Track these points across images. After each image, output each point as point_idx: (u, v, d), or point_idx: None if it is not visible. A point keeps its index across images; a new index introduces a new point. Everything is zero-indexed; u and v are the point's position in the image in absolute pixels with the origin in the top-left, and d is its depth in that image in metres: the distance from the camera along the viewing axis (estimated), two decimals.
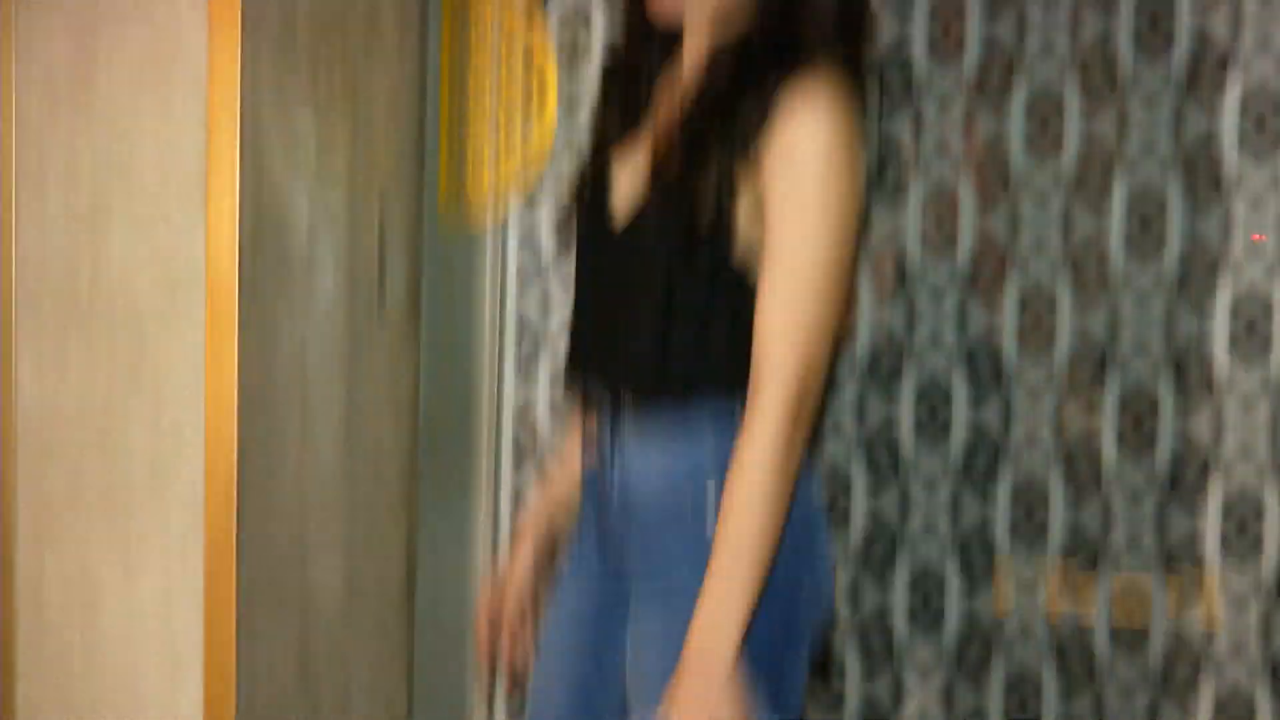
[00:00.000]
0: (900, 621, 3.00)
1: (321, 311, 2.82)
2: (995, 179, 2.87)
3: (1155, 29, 2.76)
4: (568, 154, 2.95)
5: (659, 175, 2.09)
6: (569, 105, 2.93)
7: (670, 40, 2.19)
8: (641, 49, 2.23)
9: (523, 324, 3.07)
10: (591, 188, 2.18)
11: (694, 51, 2.11)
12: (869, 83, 2.10)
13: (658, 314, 2.08)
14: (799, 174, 1.97)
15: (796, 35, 2.06)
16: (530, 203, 3.00)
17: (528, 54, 2.89)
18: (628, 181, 2.11)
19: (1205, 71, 2.76)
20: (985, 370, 2.91)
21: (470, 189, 2.93)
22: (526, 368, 3.05)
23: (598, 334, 2.19)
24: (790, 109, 1.97)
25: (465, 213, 2.95)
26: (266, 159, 2.61)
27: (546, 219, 2.99)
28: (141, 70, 2.60)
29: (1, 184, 2.69)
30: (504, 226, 2.98)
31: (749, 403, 1.97)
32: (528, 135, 2.91)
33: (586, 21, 2.91)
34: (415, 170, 2.97)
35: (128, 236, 2.62)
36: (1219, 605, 2.75)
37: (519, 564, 2.40)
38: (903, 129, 2.87)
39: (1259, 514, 2.73)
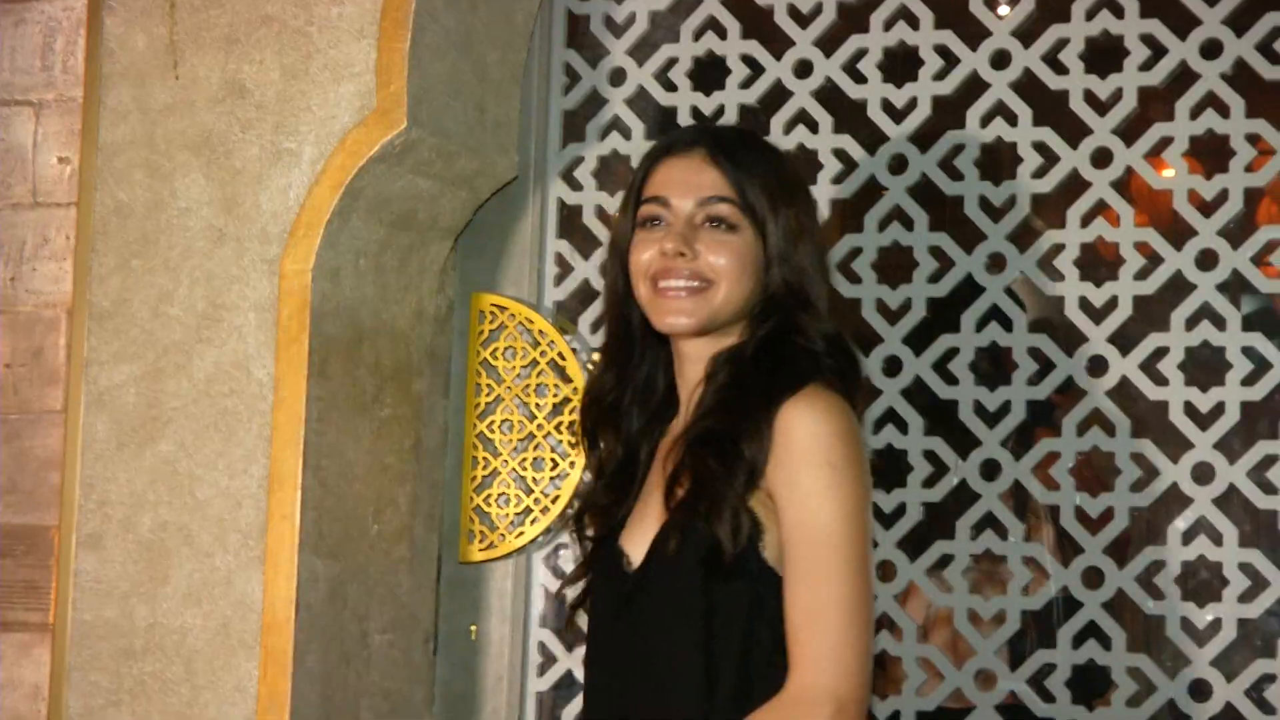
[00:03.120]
0: None
1: (381, 656, 2.84)
2: None
3: None
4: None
5: (678, 514, 2.08)
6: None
7: (650, 370, 2.23)
8: (621, 373, 2.24)
9: (548, 655, 3.02)
10: (603, 534, 2.19)
11: (691, 377, 2.14)
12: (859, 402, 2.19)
13: (698, 644, 2.06)
14: (800, 464, 2.00)
15: (790, 364, 2.10)
16: (555, 540, 3.02)
17: (559, 399, 2.95)
18: (638, 518, 2.13)
19: None
20: None
21: (495, 529, 2.98)
22: (551, 709, 3.06)
23: (622, 679, 2.15)
24: (787, 413, 2.01)
25: (491, 549, 2.98)
26: (330, 513, 2.72)
27: (570, 554, 2.98)
28: (209, 416, 2.75)
29: (62, 516, 2.81)
30: (529, 561, 3.02)
31: (785, 693, 1.98)
32: (556, 477, 2.95)
33: None
34: (443, 511, 3.02)
35: (188, 581, 2.73)
36: None
37: None
38: None
39: None
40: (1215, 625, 2.61)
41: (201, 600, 2.70)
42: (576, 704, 2.90)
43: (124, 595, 2.73)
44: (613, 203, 2.95)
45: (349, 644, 2.71)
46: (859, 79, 2.84)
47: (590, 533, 2.19)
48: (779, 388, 2.05)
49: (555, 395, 2.91)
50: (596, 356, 2.86)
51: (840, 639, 1.96)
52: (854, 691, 1.95)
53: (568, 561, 2.96)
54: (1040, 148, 2.75)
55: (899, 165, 2.76)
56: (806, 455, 2.00)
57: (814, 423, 2.00)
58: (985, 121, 2.80)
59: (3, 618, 2.85)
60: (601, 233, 2.97)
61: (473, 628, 2.95)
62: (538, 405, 2.92)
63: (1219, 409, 2.56)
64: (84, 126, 2.86)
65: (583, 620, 2.21)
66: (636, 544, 2.07)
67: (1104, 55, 2.76)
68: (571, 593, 2.24)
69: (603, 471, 2.18)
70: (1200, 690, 2.55)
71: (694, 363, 2.13)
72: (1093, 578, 2.61)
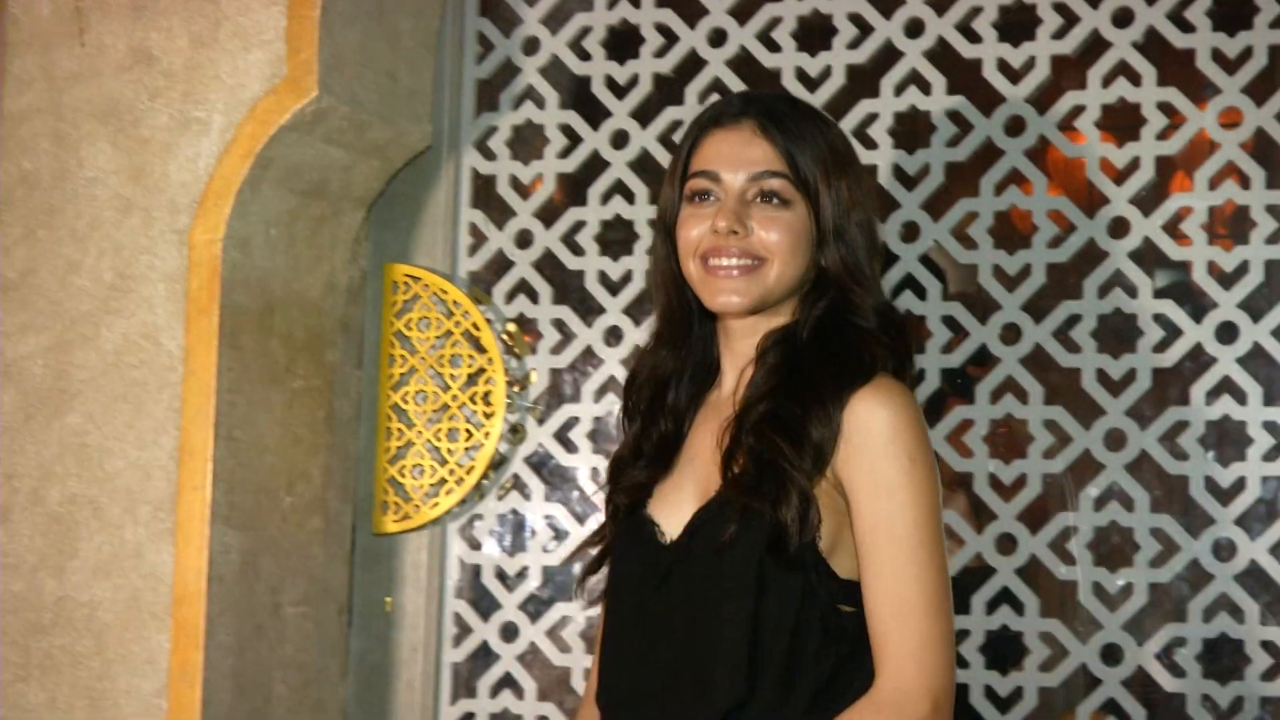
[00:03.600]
0: None
1: (295, 628, 2.85)
2: None
3: None
4: (507, 467, 3.00)
5: (736, 494, 2.05)
6: (512, 428, 2.99)
7: (696, 343, 2.20)
8: (677, 351, 2.21)
9: (463, 625, 3.04)
10: (631, 501, 2.17)
11: (739, 353, 2.13)
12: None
13: (747, 627, 2.05)
14: (880, 457, 2.00)
15: (856, 352, 2.08)
16: (470, 511, 3.02)
17: (473, 370, 2.96)
18: (672, 488, 2.12)
19: None
20: None
21: (410, 500, 2.99)
22: (467, 680, 3.07)
23: (658, 653, 2.12)
24: (860, 404, 2.00)
25: (406, 520, 3.00)
26: (242, 485, 2.72)
27: (485, 525, 3.03)
28: (118, 387, 2.76)
29: None
30: (443, 532, 3.03)
31: (878, 693, 1.98)
32: (471, 448, 2.96)
33: (535, 345, 3.01)
34: (357, 482, 3.04)
35: (98, 554, 2.73)
36: None
37: None
38: None
39: None
40: (1127, 590, 2.64)
41: (111, 573, 2.69)
42: (492, 674, 2.97)
43: (32, 569, 2.74)
44: (527, 172, 3.00)
45: (262, 616, 2.72)
46: (773, 48, 2.85)
47: (623, 503, 2.16)
48: (848, 376, 2.04)
49: (470, 366, 2.93)
50: (512, 327, 2.94)
51: (930, 635, 1.96)
52: (946, 687, 1.95)
53: (483, 533, 3.00)
54: (954, 116, 2.77)
55: None
56: (886, 448, 1.99)
57: (892, 414, 1.99)
58: (899, 90, 2.81)
59: None
60: (515, 202, 3.00)
61: (387, 599, 2.97)
62: (452, 376, 2.94)
63: (1131, 375, 2.59)
64: None
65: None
66: (670, 516, 2.06)
67: (1017, 24, 2.76)
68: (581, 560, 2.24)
69: (640, 448, 2.16)
70: (1112, 654, 2.58)
71: (743, 339, 2.12)
72: (1006, 544, 2.63)
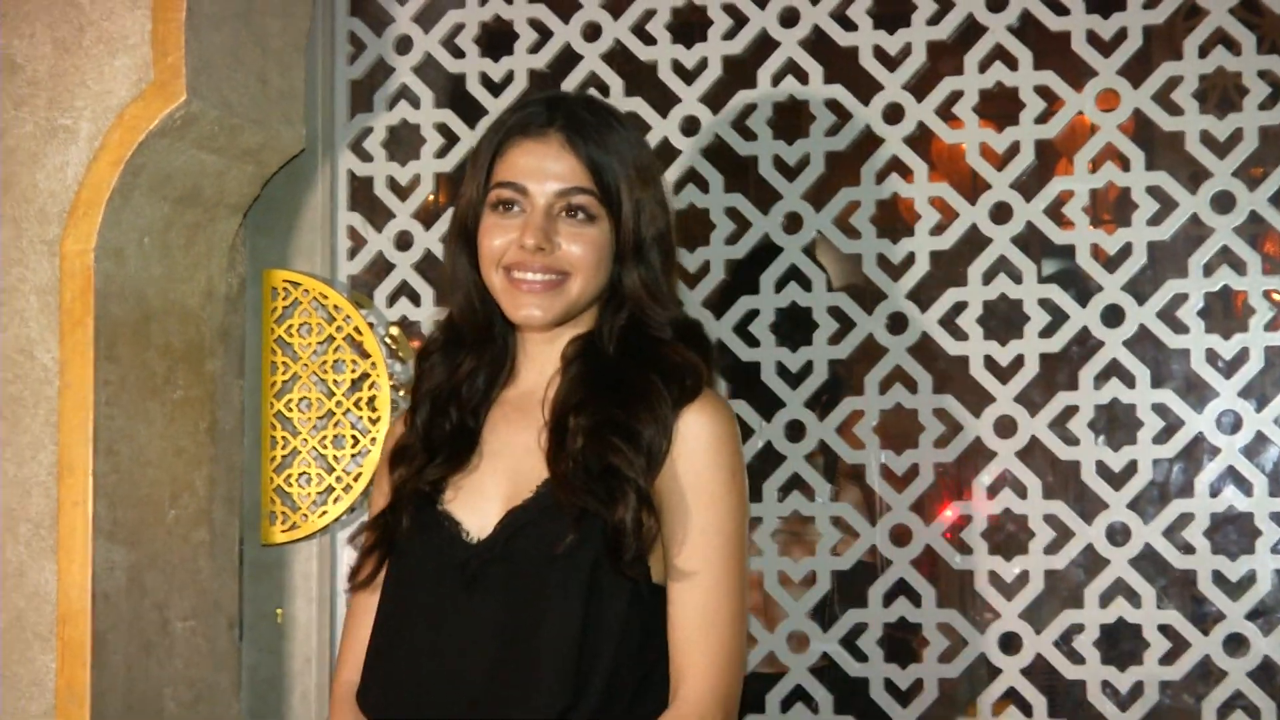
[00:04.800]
0: None
1: (184, 644, 2.81)
2: None
3: None
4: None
5: (567, 496, 2.05)
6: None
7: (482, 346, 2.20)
8: (476, 350, 2.21)
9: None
10: (419, 504, 2.14)
11: (538, 357, 2.15)
12: None
13: (573, 632, 2.04)
14: (705, 468, 2.04)
15: (678, 368, 2.11)
16: (359, 519, 2.97)
17: (357, 375, 2.94)
18: (474, 486, 2.11)
19: None
20: None
21: (297, 510, 2.96)
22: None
23: (468, 658, 2.09)
24: (691, 418, 2.03)
25: (292, 529, 2.97)
26: (123, 499, 2.67)
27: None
28: None
29: None
30: (333, 541, 3.01)
31: (681, 700, 2.00)
32: (357, 454, 2.95)
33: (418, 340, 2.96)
34: (242, 493, 3.02)
35: None
36: None
37: None
38: None
39: None
40: (1023, 578, 2.65)
41: None
42: None
43: None
44: (404, 173, 3.00)
45: (150, 633, 2.68)
46: (648, 40, 2.85)
47: (410, 494, 2.13)
48: (680, 389, 2.07)
49: (353, 371, 2.92)
50: (395, 330, 2.92)
51: (731, 651, 2.00)
52: (737, 697, 2.00)
53: None
54: (833, 105, 2.78)
55: (691, 127, 2.76)
56: (713, 460, 2.03)
57: (720, 429, 2.05)
58: (777, 80, 2.81)
59: None
60: (394, 204, 2.99)
61: (278, 611, 2.95)
62: (336, 382, 2.92)
63: (1019, 362, 2.60)
64: None
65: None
66: (473, 513, 2.04)
67: (893, 11, 2.77)
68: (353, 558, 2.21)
69: (430, 438, 2.13)
70: (1010, 643, 2.59)
71: (544, 344, 2.13)
72: (901, 535, 2.64)
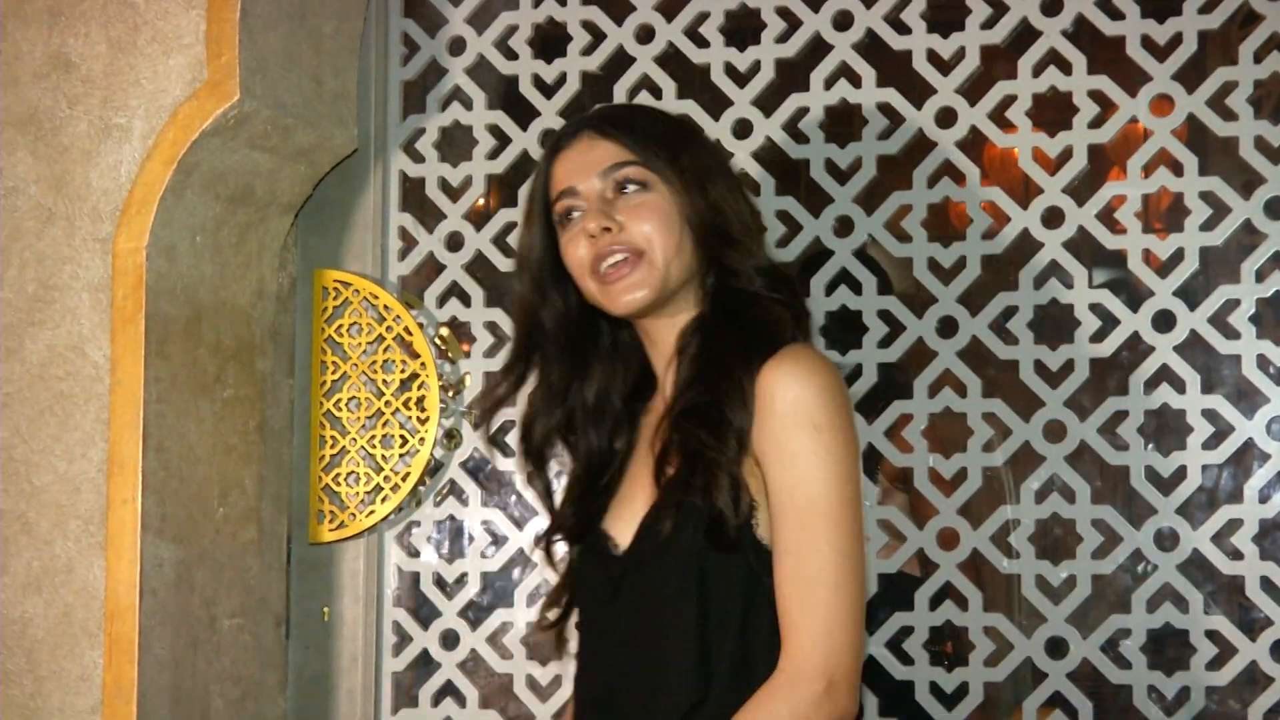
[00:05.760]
0: None
1: (231, 640, 2.83)
2: None
3: None
4: (443, 473, 3.00)
5: (671, 492, 2.07)
6: (447, 433, 2.98)
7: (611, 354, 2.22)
8: (587, 381, 2.23)
9: (402, 634, 3.05)
10: (579, 515, 2.18)
11: (663, 356, 2.15)
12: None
13: (694, 622, 2.05)
14: (783, 425, 1.98)
15: (763, 324, 2.09)
16: (407, 518, 3.02)
17: (406, 375, 2.95)
18: (624, 500, 2.14)
19: None
20: None
21: (345, 509, 2.98)
22: (408, 689, 3.07)
23: (616, 661, 2.13)
24: (767, 376, 1.99)
25: (341, 528, 2.99)
26: (173, 497, 2.69)
27: (423, 531, 3.03)
28: (44, 400, 2.73)
29: None
30: (381, 540, 3.02)
31: (779, 669, 1.97)
32: (406, 454, 2.95)
33: (468, 348, 3.01)
34: (291, 491, 3.03)
35: (27, 570, 2.71)
36: None
37: None
38: None
39: None
40: (1070, 582, 2.64)
41: (42, 589, 2.67)
42: (433, 683, 2.99)
43: None
44: (456, 174, 3.01)
45: (197, 629, 2.70)
46: (701, 43, 2.85)
47: (564, 550, 2.18)
48: (755, 349, 2.03)
49: (402, 371, 2.93)
50: (444, 331, 2.93)
51: (831, 613, 1.94)
52: (846, 666, 1.93)
53: (420, 540, 3.01)
54: (885, 109, 2.79)
55: (743, 130, 2.77)
56: (791, 418, 1.97)
57: (797, 383, 1.98)
58: (829, 84, 2.82)
59: None
60: (445, 205, 3.00)
61: (325, 609, 2.97)
62: (385, 382, 2.94)
63: (1069, 366, 2.60)
64: None
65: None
66: (623, 527, 2.07)
67: (946, 14, 2.77)
68: (553, 614, 2.24)
69: (571, 489, 2.18)
70: (1056, 648, 2.59)
71: (663, 342, 2.13)
72: (949, 539, 2.64)
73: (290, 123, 2.71)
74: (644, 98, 2.93)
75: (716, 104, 2.78)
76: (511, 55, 2.99)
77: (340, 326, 2.95)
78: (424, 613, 3.02)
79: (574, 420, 2.20)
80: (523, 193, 2.91)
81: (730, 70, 2.80)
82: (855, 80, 2.80)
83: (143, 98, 2.67)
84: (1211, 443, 2.58)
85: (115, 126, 2.67)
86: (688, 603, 2.03)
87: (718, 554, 2.01)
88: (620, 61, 2.90)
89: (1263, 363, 2.59)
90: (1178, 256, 2.63)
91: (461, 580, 3.00)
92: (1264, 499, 2.58)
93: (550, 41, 2.98)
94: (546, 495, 2.24)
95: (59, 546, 2.65)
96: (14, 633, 2.66)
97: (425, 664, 3.03)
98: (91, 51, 2.69)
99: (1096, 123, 2.69)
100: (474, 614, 3.01)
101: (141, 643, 2.57)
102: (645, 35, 2.90)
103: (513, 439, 2.92)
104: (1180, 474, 2.55)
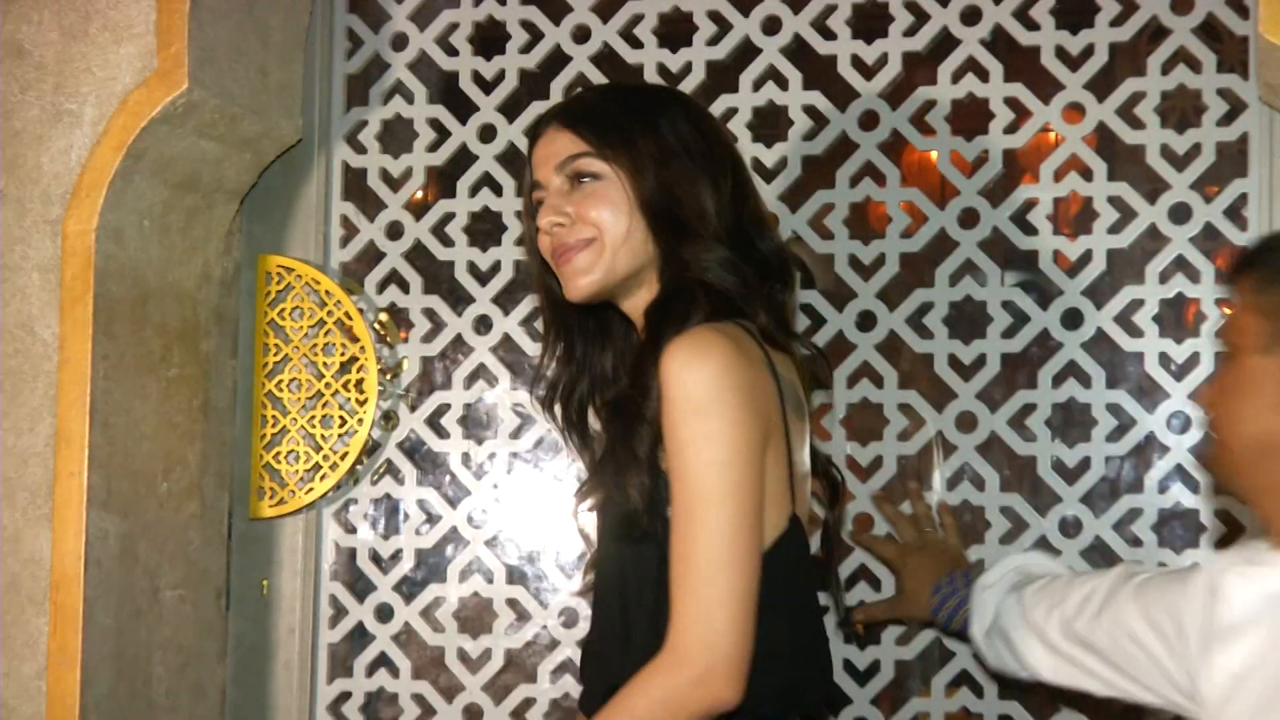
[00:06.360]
0: None
1: (173, 611, 2.82)
2: None
3: None
4: (380, 453, 3.00)
5: (599, 480, 2.09)
6: (385, 415, 2.99)
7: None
8: (586, 369, 2.26)
9: (339, 607, 3.03)
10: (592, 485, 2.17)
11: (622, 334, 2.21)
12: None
13: (620, 604, 2.08)
14: (670, 411, 1.94)
15: (672, 308, 2.06)
16: (345, 496, 3.02)
17: (346, 358, 2.94)
18: None
19: None
20: None
21: (285, 486, 2.97)
22: (344, 660, 3.06)
23: (593, 647, 2.19)
24: (662, 363, 1.96)
25: (281, 504, 2.98)
26: (118, 471, 2.67)
27: (359, 509, 3.03)
28: None
29: None
30: (319, 517, 3.01)
31: (661, 649, 1.95)
32: (345, 434, 2.95)
33: (406, 334, 3.00)
34: (232, 468, 3.01)
35: None
36: None
37: None
38: None
39: None
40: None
41: None
42: (367, 654, 2.99)
43: None
44: (397, 165, 3.01)
45: (140, 599, 2.70)
46: (635, 44, 2.85)
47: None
48: (666, 336, 2.02)
49: (343, 354, 2.93)
50: (384, 316, 2.95)
51: (710, 597, 1.92)
52: (724, 651, 1.91)
53: (357, 517, 3.01)
54: (810, 111, 2.79)
55: None
56: (678, 404, 1.94)
57: (682, 368, 1.95)
58: (757, 86, 2.81)
59: None
60: (386, 195, 3.00)
61: (264, 582, 2.96)
62: (325, 364, 2.93)
63: (981, 360, 2.65)
64: None
65: None
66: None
67: (870, 22, 2.78)
68: None
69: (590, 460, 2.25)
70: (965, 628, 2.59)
71: (637, 324, 2.14)
72: (864, 523, 2.70)
73: (237, 112, 2.70)
74: None
75: None
76: (452, 52, 2.97)
77: (283, 310, 2.94)
78: (360, 587, 3.02)
79: (596, 389, 2.22)
80: (460, 184, 2.98)
81: (663, 70, 2.80)
82: (782, 83, 2.79)
83: (93, 85, 2.65)
84: (1115, 435, 2.63)
85: (66, 112, 2.66)
86: (615, 582, 2.09)
87: (631, 540, 2.02)
88: (557, 60, 2.90)
89: (1164, 360, 2.63)
90: (1086, 258, 2.66)
91: (396, 556, 2.99)
92: (1163, 490, 2.63)
93: (490, 39, 2.97)
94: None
95: (6, 517, 2.64)
96: None
97: (360, 636, 3.02)
98: (44, 39, 2.67)
99: (1011, 129, 2.70)
100: (408, 588, 3.01)
101: (86, 611, 2.57)
102: (581, 35, 2.90)
103: (447, 421, 2.98)
104: (1084, 465, 2.60)
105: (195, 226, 2.80)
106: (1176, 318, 2.75)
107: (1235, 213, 2.65)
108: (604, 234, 2.08)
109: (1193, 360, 2.62)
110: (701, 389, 1.92)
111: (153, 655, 2.72)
